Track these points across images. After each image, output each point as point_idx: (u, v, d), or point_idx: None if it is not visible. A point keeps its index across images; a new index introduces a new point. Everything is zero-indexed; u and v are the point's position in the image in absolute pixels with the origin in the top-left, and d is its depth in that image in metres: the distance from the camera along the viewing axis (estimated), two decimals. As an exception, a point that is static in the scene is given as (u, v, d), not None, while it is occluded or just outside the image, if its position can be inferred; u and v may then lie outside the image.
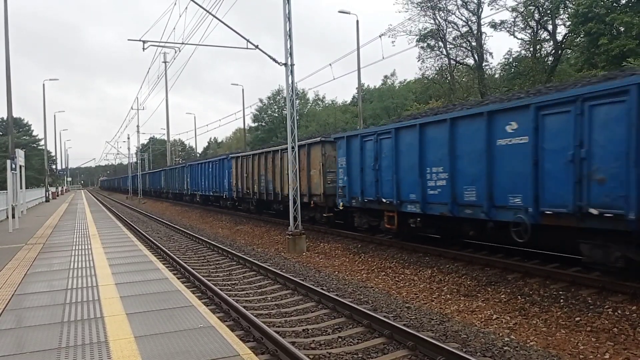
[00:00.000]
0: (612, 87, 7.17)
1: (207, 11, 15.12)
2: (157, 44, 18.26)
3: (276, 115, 70.24)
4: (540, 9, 31.64)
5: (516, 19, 33.47)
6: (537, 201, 8.23)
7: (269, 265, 11.60)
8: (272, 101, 71.60)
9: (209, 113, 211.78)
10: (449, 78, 38.88)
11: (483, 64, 36.02)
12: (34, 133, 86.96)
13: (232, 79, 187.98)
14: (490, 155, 9.19)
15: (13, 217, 17.26)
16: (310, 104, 73.33)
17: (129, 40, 18.05)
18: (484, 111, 9.37)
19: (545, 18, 32.43)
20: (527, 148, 8.37)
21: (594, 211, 7.31)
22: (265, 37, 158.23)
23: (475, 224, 10.33)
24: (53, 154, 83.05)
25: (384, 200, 12.50)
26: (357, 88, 38.15)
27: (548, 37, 33.49)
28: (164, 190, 47.03)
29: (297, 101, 63.51)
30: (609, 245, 7.57)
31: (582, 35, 27.49)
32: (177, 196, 41.67)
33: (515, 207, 8.68)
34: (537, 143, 8.21)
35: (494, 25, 34.02)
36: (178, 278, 9.27)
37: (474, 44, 35.73)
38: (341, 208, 14.67)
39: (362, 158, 13.30)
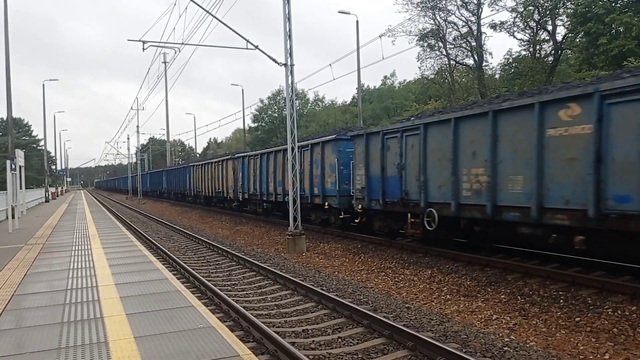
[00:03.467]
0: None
1: (208, 12, 15.13)
2: (156, 44, 18.25)
3: (276, 115, 70.30)
4: (540, 9, 31.63)
5: (516, 20, 33.48)
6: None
7: (268, 266, 11.60)
8: (272, 101, 71.68)
9: (199, 111, 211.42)
10: (448, 78, 38.87)
11: (483, 64, 36.03)
12: (34, 133, 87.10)
13: (221, 76, 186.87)
14: None
15: (13, 217, 17.26)
16: (310, 104, 73.41)
17: (129, 40, 17.95)
18: None
19: (545, 18, 32.43)
20: None
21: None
22: (252, 32, 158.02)
23: None
24: (53, 154, 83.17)
25: None
26: (357, 88, 38.16)
27: (547, 38, 33.51)
28: (189, 192, 35.52)
29: (297, 101, 63.57)
30: None
31: (581, 35, 27.50)
32: (213, 201, 30.39)
33: None
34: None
35: (493, 26, 34.04)
36: (178, 278, 9.27)
37: (473, 44, 35.72)
38: None
39: None
